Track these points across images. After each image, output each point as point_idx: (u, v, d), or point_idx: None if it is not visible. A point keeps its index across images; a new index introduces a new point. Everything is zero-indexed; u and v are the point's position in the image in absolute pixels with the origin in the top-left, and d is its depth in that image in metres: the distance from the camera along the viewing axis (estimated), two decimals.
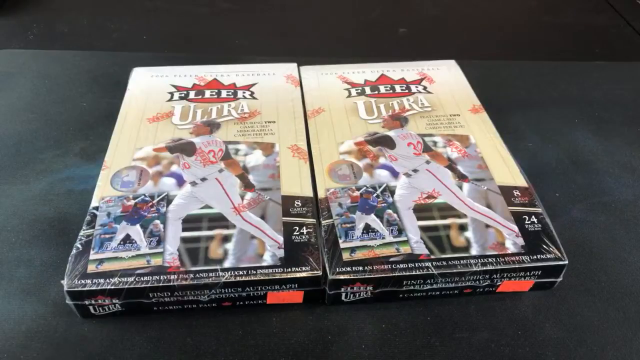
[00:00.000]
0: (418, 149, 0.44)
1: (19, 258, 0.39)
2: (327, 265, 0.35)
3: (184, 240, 0.36)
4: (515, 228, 0.37)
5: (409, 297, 0.36)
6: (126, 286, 0.33)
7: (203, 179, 0.41)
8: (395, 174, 0.42)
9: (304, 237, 0.36)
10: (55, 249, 0.39)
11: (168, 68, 0.54)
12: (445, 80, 0.53)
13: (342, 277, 0.34)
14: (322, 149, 0.44)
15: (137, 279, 0.33)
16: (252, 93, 0.51)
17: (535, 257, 0.35)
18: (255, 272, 0.34)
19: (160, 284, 0.33)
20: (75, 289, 0.33)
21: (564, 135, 0.53)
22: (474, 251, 0.36)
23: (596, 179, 0.48)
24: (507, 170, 0.42)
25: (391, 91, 0.51)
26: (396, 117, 0.48)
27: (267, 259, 0.35)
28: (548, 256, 0.36)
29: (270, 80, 0.53)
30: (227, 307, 0.36)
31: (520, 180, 0.41)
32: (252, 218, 0.38)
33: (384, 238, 0.36)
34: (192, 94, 0.50)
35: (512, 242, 0.36)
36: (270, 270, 0.34)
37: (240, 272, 0.34)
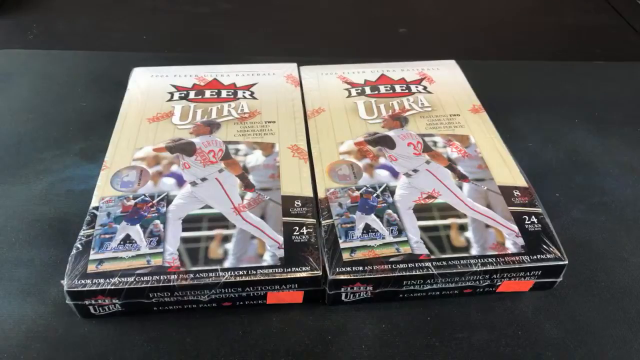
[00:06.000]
0: (418, 149, 0.44)
1: (19, 258, 0.39)
2: (327, 265, 0.35)
3: (184, 240, 0.36)
4: (515, 228, 0.37)
5: (409, 297, 0.36)
6: (126, 286, 0.33)
7: (203, 179, 0.41)
8: (395, 174, 0.42)
9: (304, 237, 0.36)
10: (55, 249, 0.39)
11: (168, 68, 0.54)
12: (445, 80, 0.53)
13: (342, 277, 0.34)
14: (322, 149, 0.44)
15: (137, 279, 0.33)
16: (252, 93, 0.51)
17: (535, 257, 0.35)
18: (255, 272, 0.34)
19: (160, 284, 0.33)
20: (75, 289, 0.33)
21: (564, 135, 0.53)
22: (474, 251, 0.36)
23: (596, 179, 0.48)
24: (507, 170, 0.42)
25: (391, 91, 0.51)
26: (396, 117, 0.48)
27: (267, 259, 0.35)
28: (548, 256, 0.36)
29: (270, 80, 0.53)
30: (227, 307, 0.36)
31: (520, 180, 0.41)
32: (252, 218, 0.38)
33: (384, 238, 0.36)
34: (192, 94, 0.50)
35: (512, 242, 0.36)
36: (270, 270, 0.34)
37: (240, 272, 0.34)
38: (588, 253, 0.41)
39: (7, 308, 0.35)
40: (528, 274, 0.36)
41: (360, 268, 0.34)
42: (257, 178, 0.41)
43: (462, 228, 0.37)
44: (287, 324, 0.35)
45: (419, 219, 0.38)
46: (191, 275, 0.34)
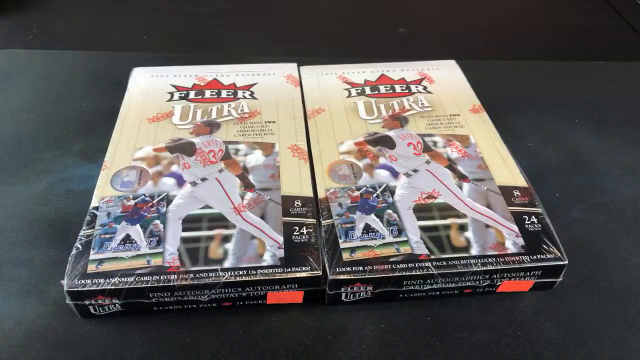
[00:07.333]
0: (418, 149, 0.44)
1: (19, 258, 0.39)
2: (327, 265, 0.35)
3: (184, 240, 0.36)
4: (515, 228, 0.37)
5: (409, 297, 0.36)
6: (126, 286, 0.33)
7: (203, 179, 0.41)
8: (395, 174, 0.42)
9: (304, 237, 0.36)
10: (55, 249, 0.39)
11: (168, 68, 0.54)
12: (445, 80, 0.53)
13: (342, 277, 0.34)
14: (322, 149, 0.44)
15: (137, 279, 0.33)
16: (252, 93, 0.51)
17: (535, 257, 0.35)
18: (255, 272, 0.34)
19: (160, 284, 0.33)
20: (75, 289, 0.33)
21: (564, 135, 0.53)
22: (474, 251, 0.36)
23: (596, 179, 0.48)
24: (507, 170, 0.42)
25: (391, 91, 0.51)
26: (396, 117, 0.48)
27: (267, 259, 0.35)
28: (548, 256, 0.36)
29: (270, 80, 0.53)
30: (227, 307, 0.36)
31: (520, 180, 0.41)
32: (252, 218, 0.38)
33: (384, 238, 0.36)
34: (192, 94, 0.50)
35: (512, 242, 0.36)
36: (270, 270, 0.34)
37: (240, 272, 0.34)
38: (588, 253, 0.41)
39: (7, 308, 0.35)
40: (528, 274, 0.36)
41: (360, 268, 0.34)
42: (257, 178, 0.41)
43: (462, 228, 0.37)
44: (287, 324, 0.35)
45: (419, 219, 0.38)
46: (191, 275, 0.34)
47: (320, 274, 0.34)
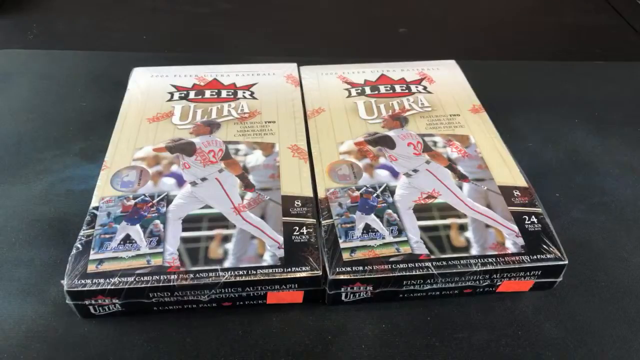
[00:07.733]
0: (418, 149, 0.44)
1: (19, 258, 0.39)
2: (327, 265, 0.35)
3: (184, 240, 0.36)
4: (515, 228, 0.37)
5: (409, 297, 0.36)
6: (126, 286, 0.33)
7: (203, 179, 0.41)
8: (395, 174, 0.42)
9: (304, 237, 0.36)
10: (55, 249, 0.39)
11: (168, 68, 0.54)
12: (445, 80, 0.53)
13: (342, 277, 0.34)
14: (322, 149, 0.44)
15: (137, 279, 0.33)
16: (252, 93, 0.51)
17: (535, 257, 0.35)
18: (255, 272, 0.34)
19: (160, 284, 0.33)
20: (75, 289, 0.33)
21: (564, 135, 0.53)
22: (474, 251, 0.36)
23: (596, 179, 0.48)
24: (507, 170, 0.42)
25: (391, 91, 0.51)
26: (396, 117, 0.48)
27: (267, 259, 0.35)
28: (548, 256, 0.36)
29: (270, 80, 0.53)
30: (227, 307, 0.36)
31: (520, 180, 0.41)
32: (252, 218, 0.38)
33: (384, 238, 0.36)
34: (192, 94, 0.50)
35: (512, 242, 0.36)
36: (270, 270, 0.34)
37: (240, 272, 0.34)
38: (588, 253, 0.41)
39: (7, 308, 0.36)
40: (528, 274, 0.36)
41: (360, 268, 0.34)
42: (257, 178, 0.41)
43: (462, 228, 0.37)
44: (287, 324, 0.35)
45: (419, 219, 0.38)
46: (191, 275, 0.34)
47: (320, 274, 0.34)
